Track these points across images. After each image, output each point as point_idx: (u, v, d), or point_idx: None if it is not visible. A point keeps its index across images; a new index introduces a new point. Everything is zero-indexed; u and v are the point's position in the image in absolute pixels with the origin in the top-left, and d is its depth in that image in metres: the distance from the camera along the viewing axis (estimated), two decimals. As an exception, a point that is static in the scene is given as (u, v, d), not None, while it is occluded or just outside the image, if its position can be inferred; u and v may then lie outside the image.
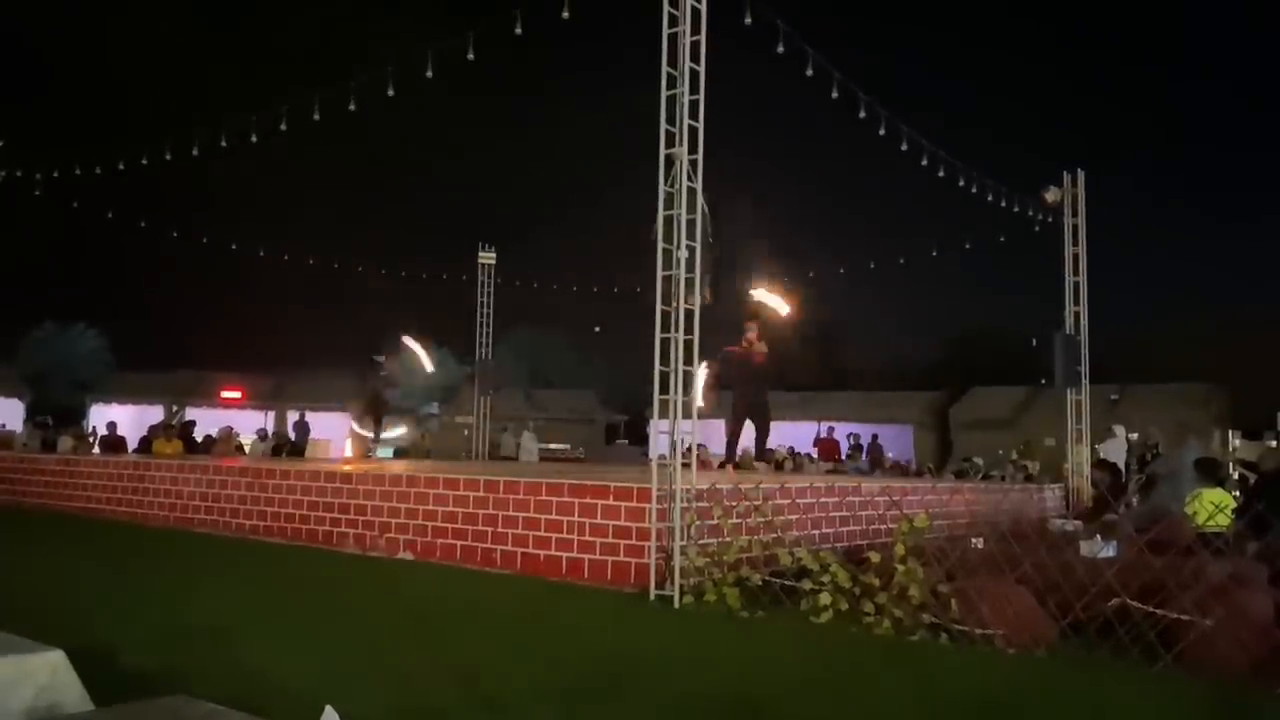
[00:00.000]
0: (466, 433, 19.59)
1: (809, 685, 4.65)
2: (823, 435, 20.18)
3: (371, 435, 16.38)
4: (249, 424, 24.13)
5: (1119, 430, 15.23)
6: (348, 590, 6.95)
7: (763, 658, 5.28)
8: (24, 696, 2.77)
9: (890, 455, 21.12)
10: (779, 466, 15.49)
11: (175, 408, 25.67)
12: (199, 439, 17.67)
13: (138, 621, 5.48)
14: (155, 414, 24.93)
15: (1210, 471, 8.69)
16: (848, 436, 20.23)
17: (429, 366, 19.32)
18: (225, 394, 29.33)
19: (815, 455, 18.62)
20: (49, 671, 2.86)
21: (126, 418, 22.75)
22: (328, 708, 1.88)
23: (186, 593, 6.51)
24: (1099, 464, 12.88)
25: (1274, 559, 6.23)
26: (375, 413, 16.38)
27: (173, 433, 16.42)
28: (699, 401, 11.80)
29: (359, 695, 4.02)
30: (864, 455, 19.30)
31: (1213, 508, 7.33)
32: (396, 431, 18.14)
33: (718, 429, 17.17)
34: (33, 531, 10.43)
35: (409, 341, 18.98)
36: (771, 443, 16.42)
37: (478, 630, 5.68)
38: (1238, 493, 11.51)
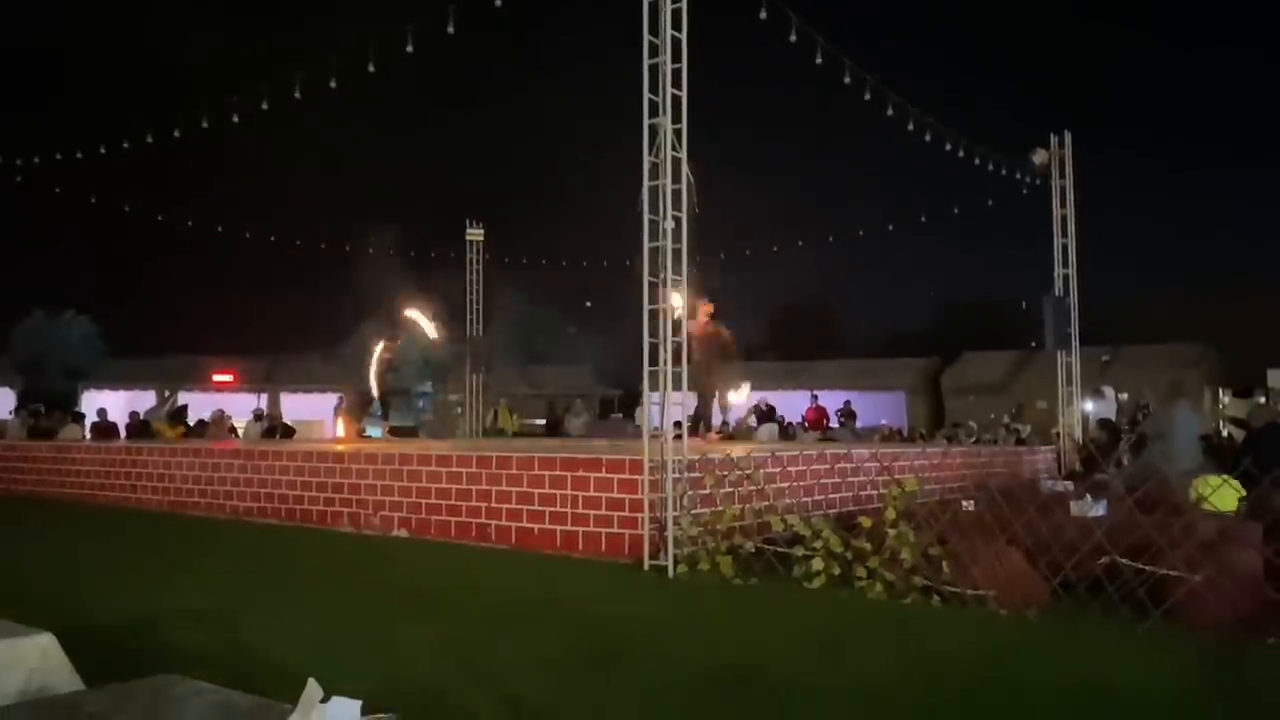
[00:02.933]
0: (460, 411, 19.58)
1: (803, 650, 4.68)
2: (808, 405, 20.22)
3: (380, 417, 16.26)
4: (242, 407, 24.09)
5: (1108, 391, 15.29)
6: (343, 568, 6.97)
7: (757, 624, 5.32)
8: (15, 679, 2.78)
9: (884, 422, 21.20)
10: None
11: (168, 392, 25.59)
12: (192, 423, 17.67)
13: (131, 603, 5.48)
14: (148, 399, 24.85)
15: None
16: (838, 410, 20.27)
17: (433, 334, 18.29)
18: (217, 377, 29.27)
19: (807, 425, 18.66)
20: (39, 655, 2.87)
21: (119, 403, 22.67)
22: (310, 680, 1.89)
23: (180, 574, 6.53)
24: (1100, 423, 12.95)
25: (1263, 514, 6.26)
26: (383, 396, 16.29)
27: (177, 419, 16.46)
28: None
29: (355, 671, 4.03)
30: (854, 422, 19.37)
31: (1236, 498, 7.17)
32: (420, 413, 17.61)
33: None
34: (25, 517, 10.44)
35: (412, 315, 18.16)
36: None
37: (474, 605, 5.71)
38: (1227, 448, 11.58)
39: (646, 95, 7.06)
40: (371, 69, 9.79)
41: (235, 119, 11.10)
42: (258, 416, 19.64)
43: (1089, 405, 14.46)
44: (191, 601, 5.55)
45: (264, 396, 28.64)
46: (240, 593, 5.88)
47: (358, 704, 1.93)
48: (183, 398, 22.21)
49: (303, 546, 8.09)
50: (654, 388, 7.06)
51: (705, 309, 11.43)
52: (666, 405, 6.97)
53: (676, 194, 7.02)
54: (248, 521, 9.52)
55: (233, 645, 4.51)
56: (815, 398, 20.31)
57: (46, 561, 7.18)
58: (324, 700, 1.90)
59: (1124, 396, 15.98)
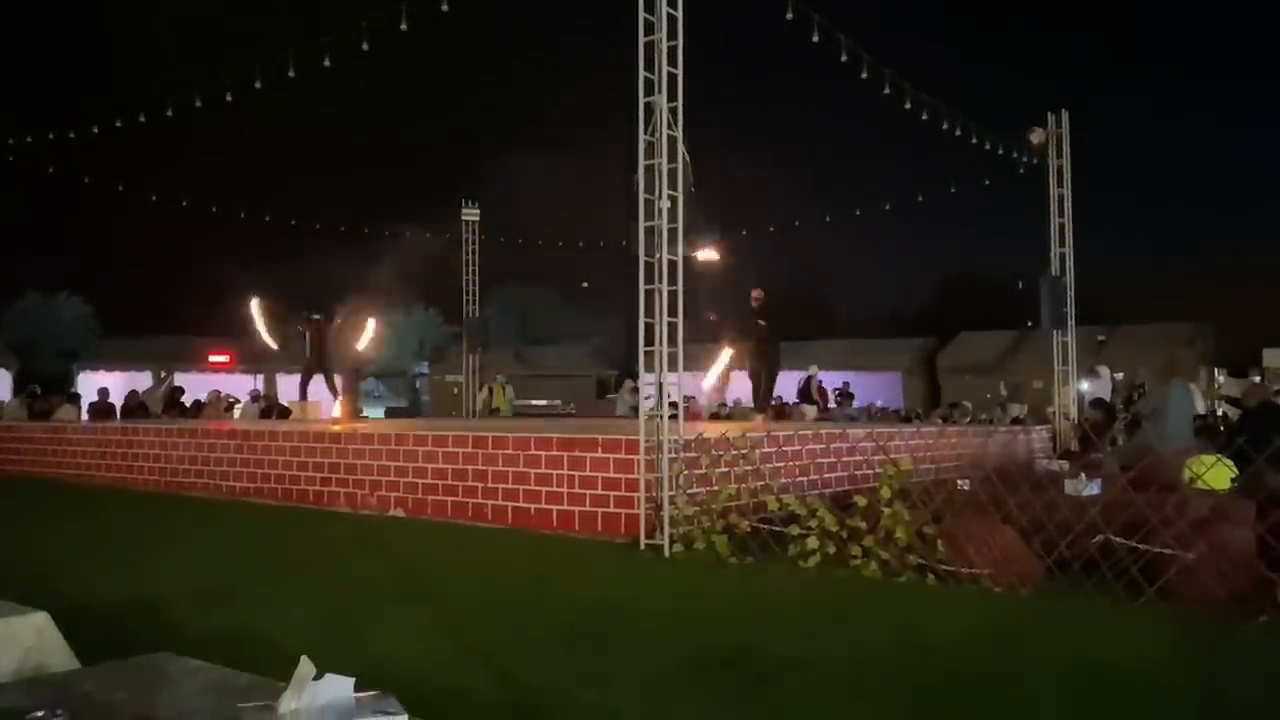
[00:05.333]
0: (456, 391, 19.58)
1: (799, 628, 4.70)
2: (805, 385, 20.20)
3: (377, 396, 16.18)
4: (238, 387, 24.06)
5: (1103, 370, 15.30)
6: (339, 548, 6.98)
7: (753, 603, 5.34)
8: (10, 658, 2.79)
9: (878, 402, 21.22)
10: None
11: (163, 373, 25.56)
12: (188, 404, 17.67)
13: (127, 583, 5.50)
14: (144, 380, 24.81)
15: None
16: (836, 390, 20.26)
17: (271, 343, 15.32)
18: (213, 358, 29.22)
19: (803, 406, 18.65)
20: (34, 633, 2.87)
21: (116, 384, 22.63)
22: (303, 658, 1.89)
23: (177, 554, 6.53)
24: (1094, 403, 12.96)
25: (1256, 492, 6.29)
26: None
27: (172, 401, 16.44)
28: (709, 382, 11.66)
29: (352, 649, 4.05)
30: (851, 403, 19.39)
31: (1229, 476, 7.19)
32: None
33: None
34: (20, 498, 10.44)
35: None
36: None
37: (470, 583, 5.72)
38: (1221, 427, 11.61)
39: (642, 73, 7.02)
40: (366, 47, 9.73)
41: (229, 98, 11.05)
42: (255, 398, 19.63)
43: (1084, 385, 14.48)
44: (187, 581, 5.56)
45: (260, 377, 28.60)
46: (236, 572, 5.89)
47: (350, 681, 1.93)
48: (178, 379, 22.19)
49: (299, 526, 8.10)
50: (649, 368, 7.06)
51: (756, 294, 11.43)
52: (663, 385, 6.97)
53: (672, 173, 6.99)
54: (245, 502, 9.53)
55: (228, 624, 4.52)
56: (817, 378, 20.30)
57: (42, 542, 7.19)
58: (317, 678, 1.90)
59: (1119, 376, 15.99)
